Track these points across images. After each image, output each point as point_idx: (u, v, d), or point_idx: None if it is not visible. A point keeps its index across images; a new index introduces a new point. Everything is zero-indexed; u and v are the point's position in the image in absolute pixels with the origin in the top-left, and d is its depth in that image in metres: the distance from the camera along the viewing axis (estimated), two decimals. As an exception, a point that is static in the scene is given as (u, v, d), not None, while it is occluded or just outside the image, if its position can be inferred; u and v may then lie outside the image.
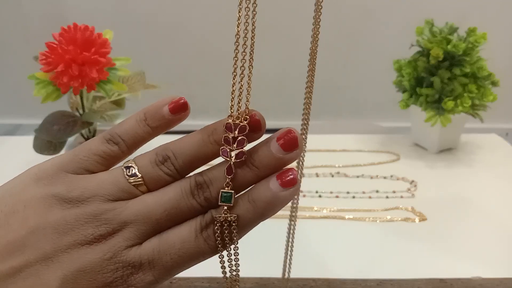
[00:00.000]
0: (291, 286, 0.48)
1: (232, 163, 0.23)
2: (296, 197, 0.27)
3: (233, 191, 0.23)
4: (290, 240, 0.26)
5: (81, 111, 0.62)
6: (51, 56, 0.55)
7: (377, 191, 0.65)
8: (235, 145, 0.23)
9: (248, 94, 0.23)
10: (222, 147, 0.23)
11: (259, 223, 0.24)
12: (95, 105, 0.64)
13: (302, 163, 0.26)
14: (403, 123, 0.92)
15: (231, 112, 0.23)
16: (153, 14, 1.39)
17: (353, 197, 0.65)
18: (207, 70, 1.43)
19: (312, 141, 0.81)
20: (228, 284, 0.26)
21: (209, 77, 1.43)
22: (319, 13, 0.23)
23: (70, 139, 0.64)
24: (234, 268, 0.25)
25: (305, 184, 0.68)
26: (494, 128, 0.91)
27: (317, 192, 0.65)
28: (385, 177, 0.70)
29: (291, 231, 0.26)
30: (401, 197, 0.64)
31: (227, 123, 0.23)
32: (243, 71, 0.23)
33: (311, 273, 0.49)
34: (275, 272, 0.49)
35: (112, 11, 1.38)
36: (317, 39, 0.24)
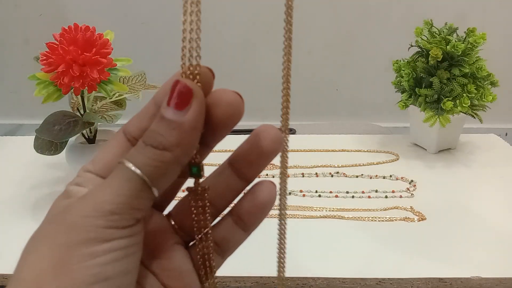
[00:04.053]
0: (290, 285, 0.48)
1: None
2: (283, 195, 0.26)
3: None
4: (281, 239, 0.26)
5: (82, 112, 0.63)
6: (52, 57, 0.55)
7: (376, 191, 0.66)
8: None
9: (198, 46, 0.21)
10: None
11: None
12: (96, 106, 0.64)
13: (286, 163, 0.25)
14: (402, 123, 0.92)
15: (182, 68, 0.21)
16: (153, 15, 1.39)
17: (353, 197, 0.65)
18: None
19: (312, 141, 0.82)
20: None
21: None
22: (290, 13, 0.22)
23: (71, 139, 0.65)
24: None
25: (305, 184, 0.68)
26: (493, 128, 0.91)
27: (316, 191, 0.66)
28: (384, 177, 0.70)
29: (282, 230, 0.26)
30: (400, 197, 0.64)
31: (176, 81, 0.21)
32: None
33: (310, 272, 0.49)
34: (275, 272, 0.49)
35: (112, 11, 1.38)
36: (290, 36, 0.23)
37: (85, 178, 0.23)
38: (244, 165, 0.24)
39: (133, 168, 0.21)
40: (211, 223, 0.24)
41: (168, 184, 0.22)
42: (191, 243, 0.26)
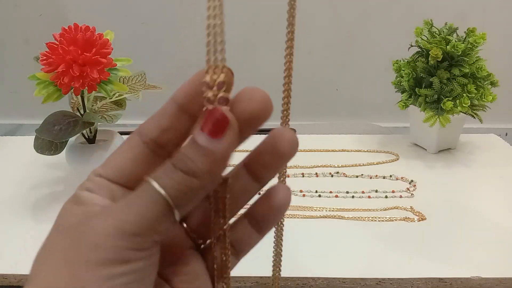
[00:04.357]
0: (290, 285, 0.48)
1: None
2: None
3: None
4: (278, 239, 0.26)
5: (82, 112, 0.63)
6: (52, 57, 0.55)
7: (376, 191, 0.66)
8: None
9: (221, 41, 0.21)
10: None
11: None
12: (96, 106, 0.64)
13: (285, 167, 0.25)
14: (402, 123, 0.92)
15: (208, 61, 0.21)
16: (153, 15, 1.39)
17: (353, 196, 0.65)
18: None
19: (312, 141, 0.82)
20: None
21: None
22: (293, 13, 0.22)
23: (71, 139, 0.65)
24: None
25: (305, 184, 0.68)
26: (493, 128, 0.91)
27: (316, 191, 0.66)
28: (384, 177, 0.70)
29: (278, 231, 0.26)
30: (400, 196, 0.65)
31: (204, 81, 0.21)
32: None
33: (310, 272, 0.49)
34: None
35: (112, 11, 1.38)
36: (292, 37, 0.23)
37: (96, 183, 0.23)
38: (260, 167, 0.24)
39: (160, 190, 0.20)
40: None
41: (190, 209, 0.22)
42: (203, 246, 0.26)
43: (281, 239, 0.26)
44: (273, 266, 0.27)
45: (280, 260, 0.27)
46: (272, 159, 0.23)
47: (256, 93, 0.22)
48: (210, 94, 0.21)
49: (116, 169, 0.23)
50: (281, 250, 0.26)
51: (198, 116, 0.22)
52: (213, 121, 0.20)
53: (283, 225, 0.26)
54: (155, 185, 0.20)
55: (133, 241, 0.20)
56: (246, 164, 0.24)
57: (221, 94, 0.21)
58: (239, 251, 0.25)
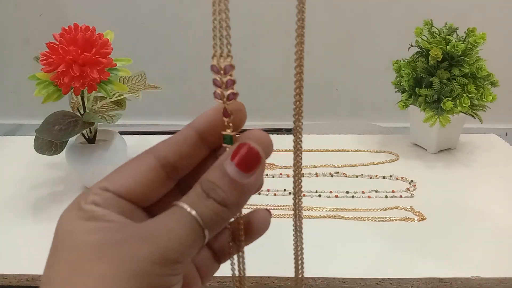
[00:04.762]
0: (290, 285, 0.48)
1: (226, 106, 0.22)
2: (299, 194, 0.26)
3: (234, 133, 0.23)
4: (298, 240, 0.26)
5: (82, 112, 0.63)
6: (52, 57, 0.55)
7: (376, 191, 0.66)
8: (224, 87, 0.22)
9: (227, 34, 0.21)
10: (214, 91, 0.22)
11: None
12: (96, 106, 0.64)
13: (300, 164, 0.26)
14: (402, 123, 0.92)
15: (214, 52, 0.22)
16: (153, 15, 1.39)
17: (353, 196, 0.65)
18: (207, 70, 1.43)
19: (312, 141, 0.82)
20: (236, 283, 0.26)
21: (209, 77, 1.42)
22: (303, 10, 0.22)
23: (71, 139, 0.65)
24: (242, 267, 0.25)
25: (305, 184, 0.68)
26: (493, 128, 0.91)
27: (316, 191, 0.66)
28: (384, 177, 0.70)
29: (297, 231, 0.26)
30: (400, 196, 0.64)
31: (213, 65, 0.22)
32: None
33: (310, 272, 0.49)
34: (275, 271, 0.49)
35: (112, 11, 1.38)
36: (302, 33, 0.23)
37: (104, 197, 0.22)
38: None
39: (198, 218, 0.21)
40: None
41: (214, 234, 0.23)
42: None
43: (301, 242, 0.26)
44: (295, 268, 0.27)
45: (302, 262, 0.27)
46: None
47: (258, 134, 0.23)
48: (217, 77, 0.21)
49: (126, 186, 0.23)
50: (303, 252, 0.27)
51: (215, 147, 0.24)
52: (245, 156, 0.22)
53: (301, 228, 0.26)
54: (194, 213, 0.21)
55: (175, 268, 0.21)
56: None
57: (227, 78, 0.22)
58: (221, 258, 0.26)
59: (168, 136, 0.24)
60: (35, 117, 0.82)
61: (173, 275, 0.21)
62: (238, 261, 0.26)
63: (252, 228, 0.25)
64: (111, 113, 0.63)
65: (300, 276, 0.27)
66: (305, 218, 0.60)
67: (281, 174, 0.71)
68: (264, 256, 0.49)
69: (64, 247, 0.21)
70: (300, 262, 0.26)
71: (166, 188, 0.24)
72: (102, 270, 0.20)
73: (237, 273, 0.26)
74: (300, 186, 0.25)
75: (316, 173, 0.72)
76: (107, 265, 0.20)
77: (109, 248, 0.20)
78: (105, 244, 0.20)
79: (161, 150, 0.24)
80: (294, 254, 0.26)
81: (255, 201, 0.53)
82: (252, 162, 0.22)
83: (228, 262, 0.26)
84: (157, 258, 0.20)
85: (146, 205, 0.24)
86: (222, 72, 0.22)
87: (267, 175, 0.69)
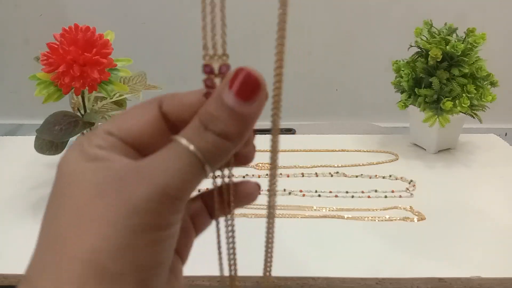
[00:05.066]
0: (290, 285, 0.48)
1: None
2: (274, 193, 0.25)
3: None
4: (269, 238, 0.26)
5: (82, 112, 0.63)
6: (52, 57, 0.55)
7: (376, 191, 0.66)
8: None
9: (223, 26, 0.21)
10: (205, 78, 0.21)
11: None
12: (96, 106, 0.65)
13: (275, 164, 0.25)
14: (402, 123, 0.92)
15: (206, 52, 0.21)
16: (153, 15, 1.39)
17: (352, 196, 0.65)
18: (207, 70, 1.43)
19: (312, 141, 0.82)
20: (229, 282, 0.26)
21: (209, 77, 1.42)
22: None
23: (72, 140, 0.65)
24: (232, 266, 0.25)
25: (305, 184, 0.68)
26: (493, 128, 0.91)
27: (316, 191, 0.66)
28: (384, 177, 0.70)
29: (270, 229, 0.26)
30: (400, 196, 0.65)
31: (206, 65, 0.21)
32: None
33: (310, 272, 0.49)
34: (275, 271, 0.49)
35: (113, 11, 1.38)
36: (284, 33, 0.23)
37: (109, 142, 0.22)
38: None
39: (196, 152, 0.20)
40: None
41: (217, 168, 0.22)
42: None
43: (273, 240, 0.26)
44: (264, 265, 0.27)
45: (271, 260, 0.27)
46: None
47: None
48: (210, 77, 0.21)
49: (130, 132, 0.22)
50: (272, 250, 0.26)
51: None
52: (243, 83, 0.20)
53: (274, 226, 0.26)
54: (191, 147, 0.20)
55: (175, 205, 0.20)
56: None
57: (222, 63, 0.21)
58: (197, 229, 0.26)
59: None
60: (35, 117, 0.82)
61: (173, 213, 0.20)
62: (229, 258, 0.26)
63: (239, 196, 0.25)
64: (112, 113, 0.63)
65: (267, 274, 0.27)
66: (305, 218, 0.60)
67: (281, 174, 0.71)
68: (257, 255, 0.49)
69: (67, 187, 0.21)
70: (269, 260, 0.26)
71: (166, 138, 0.23)
72: (102, 209, 0.20)
73: (227, 273, 0.26)
74: (275, 186, 0.25)
75: (316, 173, 0.72)
76: (108, 202, 0.20)
77: (111, 186, 0.20)
78: (108, 182, 0.20)
79: (166, 102, 0.23)
80: (264, 251, 0.26)
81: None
82: (252, 89, 0.20)
83: (226, 262, 0.26)
84: (156, 195, 0.19)
85: (147, 154, 0.23)
86: (216, 72, 0.21)
87: (266, 175, 0.69)
